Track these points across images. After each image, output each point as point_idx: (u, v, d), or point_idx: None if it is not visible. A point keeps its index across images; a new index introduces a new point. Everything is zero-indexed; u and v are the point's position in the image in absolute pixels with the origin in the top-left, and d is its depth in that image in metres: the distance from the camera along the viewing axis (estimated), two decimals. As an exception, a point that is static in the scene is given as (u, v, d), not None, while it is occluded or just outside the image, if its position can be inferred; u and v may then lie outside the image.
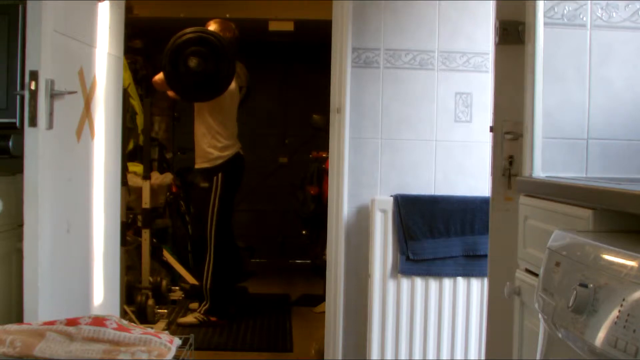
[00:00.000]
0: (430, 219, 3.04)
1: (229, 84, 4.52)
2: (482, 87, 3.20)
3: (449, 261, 3.05)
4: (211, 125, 4.62)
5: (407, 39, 3.19)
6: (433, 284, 3.05)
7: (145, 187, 4.77)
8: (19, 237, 2.40)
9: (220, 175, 4.61)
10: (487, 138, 2.85)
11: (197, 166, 4.72)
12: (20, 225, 2.39)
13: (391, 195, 3.11)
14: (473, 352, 3.06)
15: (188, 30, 4.51)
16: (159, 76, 4.65)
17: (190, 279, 5.17)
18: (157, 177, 5.17)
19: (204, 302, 4.63)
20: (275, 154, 7.31)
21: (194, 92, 4.54)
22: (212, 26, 4.71)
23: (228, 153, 4.65)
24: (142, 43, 5.69)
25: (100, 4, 3.01)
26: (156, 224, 5.23)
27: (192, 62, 4.33)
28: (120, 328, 2.07)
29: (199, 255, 4.81)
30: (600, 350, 1.11)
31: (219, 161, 4.62)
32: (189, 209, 5.64)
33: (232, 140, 4.71)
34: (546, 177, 1.94)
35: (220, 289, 4.65)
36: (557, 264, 1.35)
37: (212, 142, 4.62)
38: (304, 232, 5.51)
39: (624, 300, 1.09)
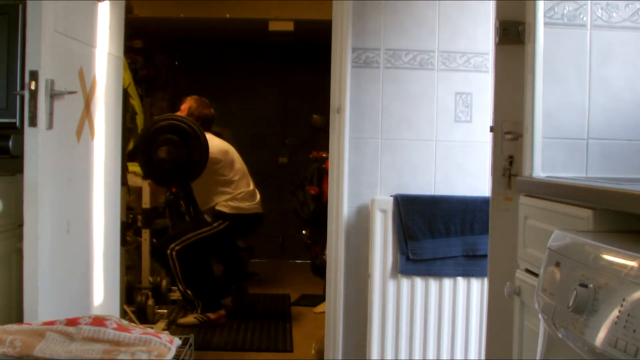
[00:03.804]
0: (430, 219, 3.04)
1: (203, 168, 4.54)
2: (482, 87, 3.20)
3: (449, 261, 3.05)
4: (218, 181, 4.71)
5: (407, 39, 3.19)
6: (433, 284, 3.05)
7: (145, 187, 4.77)
8: (19, 237, 2.40)
9: (225, 223, 4.67)
10: (487, 138, 2.85)
11: (206, 207, 4.76)
12: (20, 225, 2.39)
13: (391, 195, 3.10)
14: (473, 352, 3.06)
15: (160, 117, 4.61)
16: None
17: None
18: (157, 177, 5.17)
19: (198, 303, 4.66)
20: (275, 154, 7.31)
21: (169, 179, 4.61)
22: (188, 102, 4.78)
23: (243, 206, 4.72)
24: (142, 43, 5.69)
25: (100, 4, 3.01)
26: (156, 224, 5.23)
27: (162, 153, 4.39)
28: (120, 328, 2.07)
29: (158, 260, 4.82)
30: (600, 350, 1.11)
31: (233, 211, 4.68)
32: (189, 209, 5.63)
33: (246, 193, 4.75)
34: (546, 177, 1.94)
35: (203, 289, 4.67)
36: (557, 264, 1.35)
37: (222, 191, 4.70)
38: (304, 232, 5.51)
39: (624, 300, 1.08)
